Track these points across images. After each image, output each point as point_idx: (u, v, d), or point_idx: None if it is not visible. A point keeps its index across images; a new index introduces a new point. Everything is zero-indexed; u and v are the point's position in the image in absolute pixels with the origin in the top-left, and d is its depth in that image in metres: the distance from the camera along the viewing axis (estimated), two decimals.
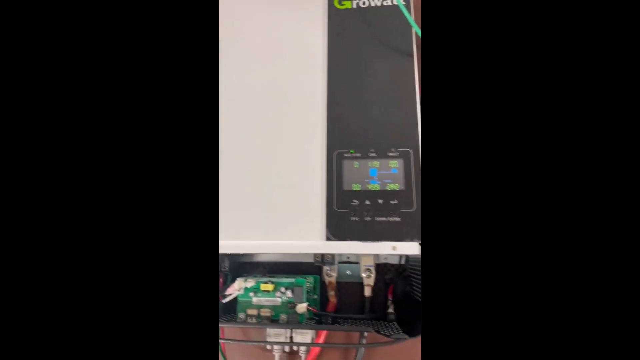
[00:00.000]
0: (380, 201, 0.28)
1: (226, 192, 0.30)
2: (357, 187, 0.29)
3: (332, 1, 0.34)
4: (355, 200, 0.29)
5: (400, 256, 0.35)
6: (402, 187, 0.29)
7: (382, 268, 0.36)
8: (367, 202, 0.29)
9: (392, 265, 0.36)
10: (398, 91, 0.31)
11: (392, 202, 0.28)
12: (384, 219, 0.28)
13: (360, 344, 0.33)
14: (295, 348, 0.34)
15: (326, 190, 0.29)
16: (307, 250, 0.29)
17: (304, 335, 0.34)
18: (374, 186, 0.29)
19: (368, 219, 0.28)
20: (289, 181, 0.30)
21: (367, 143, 0.30)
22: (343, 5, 0.33)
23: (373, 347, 0.34)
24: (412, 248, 0.28)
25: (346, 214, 0.28)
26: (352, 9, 0.33)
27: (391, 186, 0.29)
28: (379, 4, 0.33)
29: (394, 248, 0.28)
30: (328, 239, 0.28)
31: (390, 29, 0.32)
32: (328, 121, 0.31)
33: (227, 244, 0.29)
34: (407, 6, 0.32)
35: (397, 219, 0.28)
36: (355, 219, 0.28)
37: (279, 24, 0.33)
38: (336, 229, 0.28)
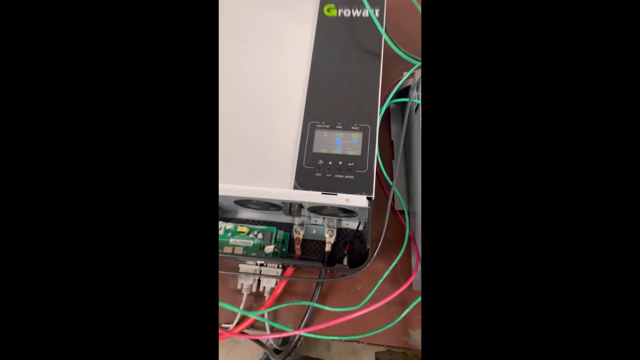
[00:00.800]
0: (340, 162, 0.35)
1: (226, 145, 0.37)
2: (324, 150, 0.36)
3: (322, 9, 0.42)
4: (321, 161, 0.36)
5: (359, 222, 0.41)
6: (359, 154, 0.36)
7: (343, 232, 0.42)
8: (330, 163, 0.35)
9: (352, 230, 0.42)
10: (365, 82, 0.38)
11: (349, 164, 0.35)
12: (341, 176, 0.35)
13: (318, 279, 0.39)
14: (260, 290, 0.40)
15: (299, 151, 0.36)
16: (277, 196, 0.35)
17: (270, 280, 0.40)
18: (337, 151, 0.36)
19: (329, 175, 0.35)
20: (271, 141, 0.37)
21: (336, 118, 0.37)
22: (330, 13, 0.42)
23: (328, 281, 0.39)
24: (361, 200, 0.34)
25: (312, 170, 0.35)
26: (337, 17, 0.42)
27: (351, 152, 0.36)
28: (359, 14, 0.41)
29: (347, 200, 0.35)
30: (295, 187, 0.35)
31: (365, 35, 0.41)
32: (307, 99, 0.38)
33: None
34: (380, 18, 0.41)
35: (352, 177, 0.35)
36: (319, 174, 0.35)
37: (278, 21, 0.42)
38: (302, 180, 0.35)
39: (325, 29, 0.41)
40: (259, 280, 0.40)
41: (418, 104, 0.39)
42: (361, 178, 0.35)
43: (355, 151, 0.36)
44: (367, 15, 0.41)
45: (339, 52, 0.40)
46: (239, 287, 0.40)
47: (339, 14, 0.42)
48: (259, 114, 0.38)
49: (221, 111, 0.38)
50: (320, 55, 0.40)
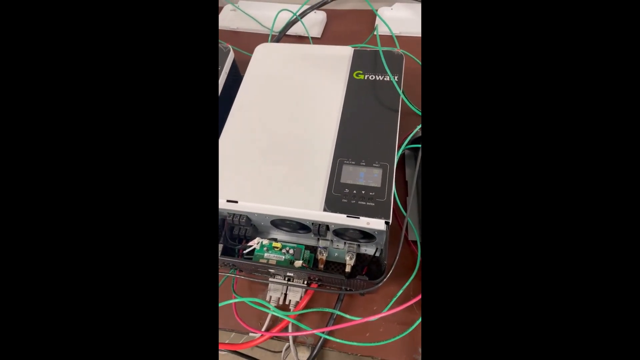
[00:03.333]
0: (363, 192, 0.42)
1: (269, 173, 0.45)
2: (350, 181, 0.43)
3: (352, 74, 0.53)
4: (347, 189, 0.43)
5: (376, 248, 0.47)
6: (379, 186, 0.43)
7: (362, 256, 0.48)
8: (355, 191, 0.43)
9: (369, 255, 0.48)
10: (385, 130, 0.47)
11: (371, 193, 0.42)
12: (364, 203, 0.42)
13: (340, 291, 0.44)
14: (286, 302, 0.45)
15: (328, 181, 0.44)
16: (309, 217, 0.42)
17: (295, 293, 0.45)
18: (361, 182, 0.43)
19: (353, 201, 0.42)
20: (306, 173, 0.45)
21: (360, 156, 0.45)
22: (358, 77, 0.52)
23: (349, 293, 0.44)
24: (379, 224, 0.41)
25: (339, 196, 0.42)
26: (364, 79, 0.52)
27: (372, 184, 0.43)
28: (381, 79, 0.52)
29: (368, 223, 0.41)
30: (324, 210, 0.42)
31: (386, 94, 0.50)
32: (337, 140, 0.47)
33: (257, 206, 0.43)
34: (399, 81, 0.50)
35: (372, 204, 0.42)
36: (345, 200, 0.42)
37: (318, 81, 0.52)
38: (331, 205, 0.42)
39: (354, 88, 0.51)
40: (285, 295, 0.45)
41: None
42: (380, 205, 0.41)
43: (376, 183, 0.43)
44: (388, 79, 0.51)
45: (365, 106, 0.49)
46: (267, 299, 0.45)
47: (366, 78, 0.52)
48: (298, 151, 0.46)
49: (267, 148, 0.47)
50: (349, 107, 0.49)
